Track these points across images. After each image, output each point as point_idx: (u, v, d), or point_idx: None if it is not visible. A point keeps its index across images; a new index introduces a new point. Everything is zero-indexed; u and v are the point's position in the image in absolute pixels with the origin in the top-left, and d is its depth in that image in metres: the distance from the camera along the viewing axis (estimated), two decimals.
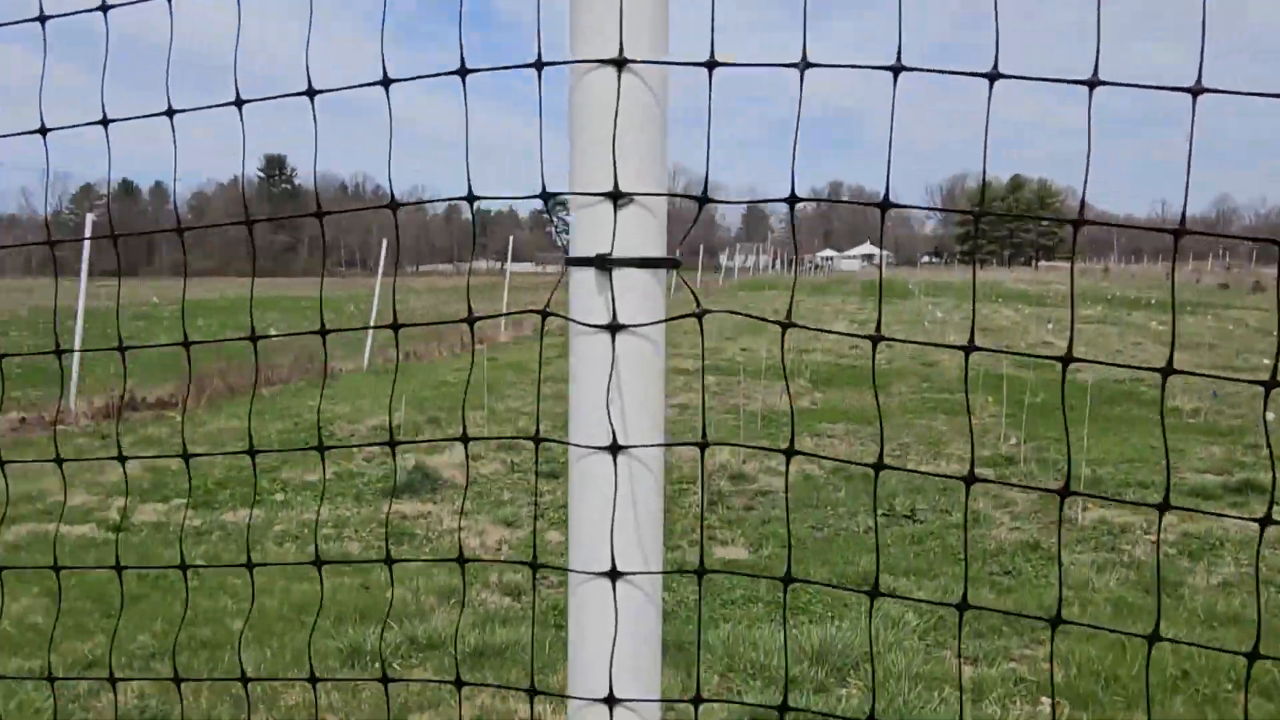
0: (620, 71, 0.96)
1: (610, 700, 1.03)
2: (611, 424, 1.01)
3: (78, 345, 9.51)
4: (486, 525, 6.11)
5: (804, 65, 0.95)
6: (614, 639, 1.02)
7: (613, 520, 1.02)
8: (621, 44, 0.96)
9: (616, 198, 0.98)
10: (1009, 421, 8.81)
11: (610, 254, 0.99)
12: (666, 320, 1.03)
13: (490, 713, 3.43)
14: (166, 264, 75.80)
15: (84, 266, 8.54)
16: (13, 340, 17.81)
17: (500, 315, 1.26)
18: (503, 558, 5.46)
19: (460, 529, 4.67)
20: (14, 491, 6.68)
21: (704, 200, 1.04)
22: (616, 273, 0.99)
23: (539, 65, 0.98)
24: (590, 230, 1.00)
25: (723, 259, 59.56)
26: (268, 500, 6.65)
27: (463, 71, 1.04)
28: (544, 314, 1.08)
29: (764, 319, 1.12)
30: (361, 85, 1.09)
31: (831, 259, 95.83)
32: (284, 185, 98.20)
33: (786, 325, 1.07)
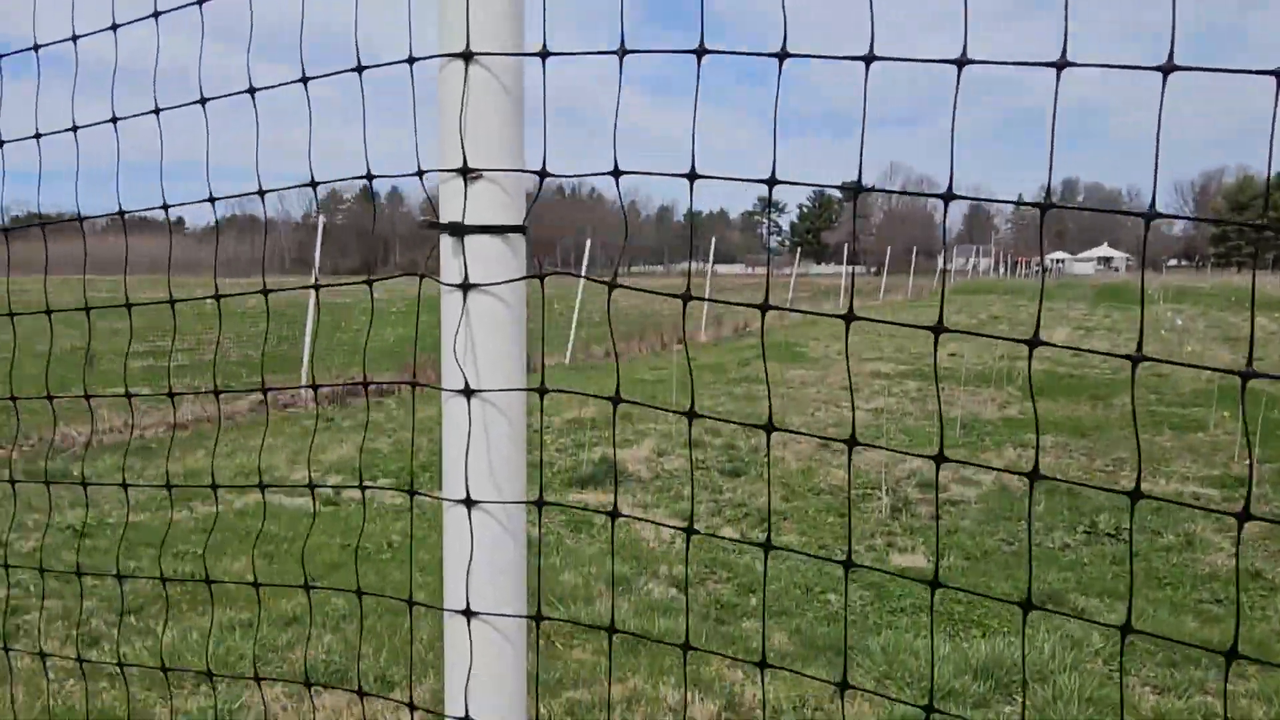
0: (468, 64, 1.09)
1: (468, 613, 1.20)
2: (463, 370, 1.15)
3: (308, 338, 10.43)
4: (664, 518, 6.21)
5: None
6: (469, 559, 1.18)
7: (466, 453, 1.15)
8: (468, 39, 1.08)
9: (466, 173, 1.11)
10: (1245, 440, 7.99)
11: (462, 221, 1.12)
12: (515, 280, 1.15)
13: (640, 695, 3.50)
14: (402, 264, 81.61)
15: (315, 266, 9.37)
16: (257, 333, 19.77)
17: (379, 279, 1.33)
18: (672, 553, 5.54)
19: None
20: (248, 464, 7.43)
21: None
22: (468, 238, 1.12)
23: (410, 60, 1.14)
24: (449, 202, 1.14)
25: (939, 260, 57.13)
26: None
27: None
28: (421, 276, 1.22)
29: (658, 292, 1.12)
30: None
31: (1063, 262, 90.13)
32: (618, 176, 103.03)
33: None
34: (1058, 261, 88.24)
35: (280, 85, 1.29)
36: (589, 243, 15.36)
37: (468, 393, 1.16)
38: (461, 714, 1.20)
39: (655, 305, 25.78)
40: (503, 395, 1.17)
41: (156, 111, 1.46)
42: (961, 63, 0.93)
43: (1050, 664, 3.67)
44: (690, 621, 4.32)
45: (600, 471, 7.40)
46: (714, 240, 21.57)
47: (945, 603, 4.64)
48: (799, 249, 42.04)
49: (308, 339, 10.53)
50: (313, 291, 8.22)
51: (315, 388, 1.40)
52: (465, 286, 1.13)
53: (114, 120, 1.51)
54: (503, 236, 1.13)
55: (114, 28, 1.47)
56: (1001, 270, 70.56)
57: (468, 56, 1.09)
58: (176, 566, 4.94)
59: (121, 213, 1.59)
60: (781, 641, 4.12)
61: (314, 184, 1.35)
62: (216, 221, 1.68)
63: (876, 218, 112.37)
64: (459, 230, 1.12)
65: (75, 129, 1.58)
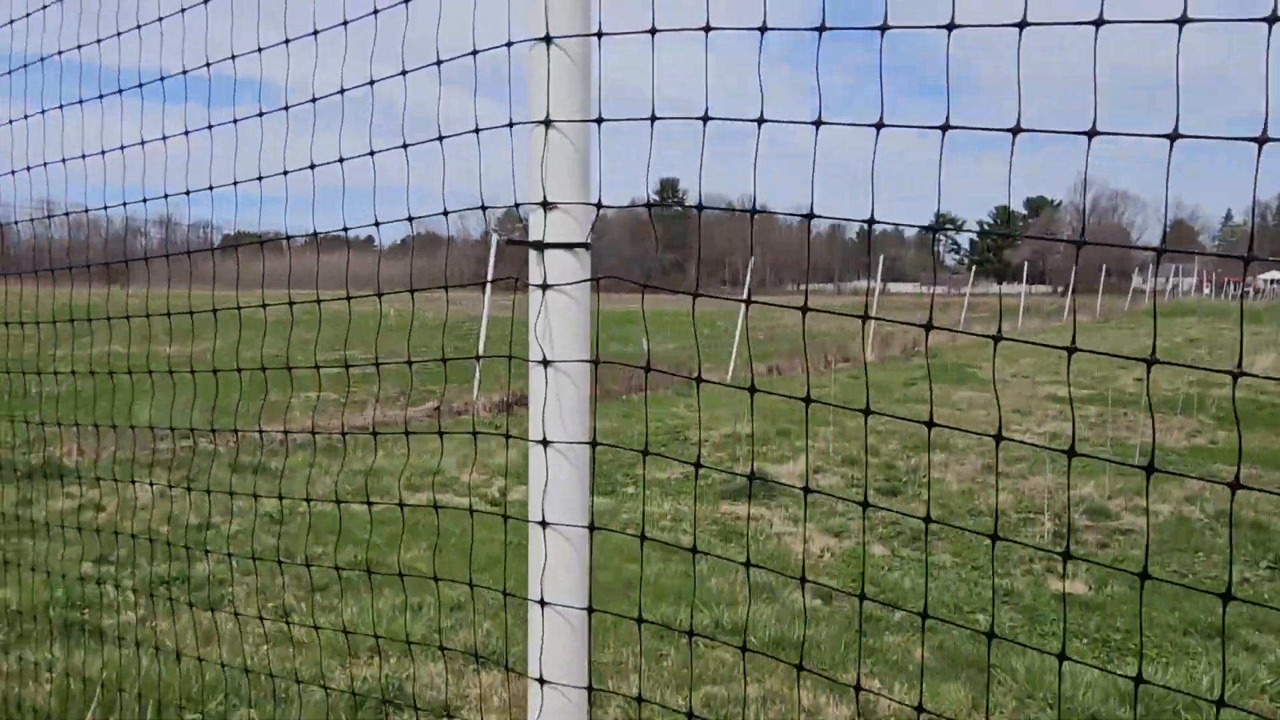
0: (547, 129, 1.48)
1: (543, 523, 1.63)
2: (541, 346, 1.54)
3: (480, 349, 11.02)
4: (814, 533, 6.25)
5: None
6: (545, 485, 1.56)
7: (544, 407, 1.55)
8: (548, 111, 1.46)
9: (546, 205, 1.50)
10: None
11: (543, 239, 1.51)
12: (579, 282, 1.53)
13: (775, 696, 3.60)
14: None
15: (488, 283, 9.92)
16: (436, 344, 20.88)
17: (472, 285, 1.49)
18: (820, 566, 5.58)
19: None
20: (419, 465, 7.97)
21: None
22: (547, 252, 1.51)
23: (510, 125, 1.57)
24: (535, 226, 1.53)
25: (1135, 279, 53.11)
26: (620, 492, 7.32)
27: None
28: (515, 281, 1.59)
29: (672, 290, 1.25)
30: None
31: (1278, 283, 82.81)
32: (675, 207, 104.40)
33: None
34: (1273, 282, 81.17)
35: (464, 133, 1.60)
36: (752, 260, 15.47)
37: (545, 363, 1.54)
38: (539, 594, 1.58)
39: (822, 325, 25.56)
40: (569, 364, 1.55)
41: (372, 154, 1.77)
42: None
43: (1209, 693, 3.53)
44: (832, 631, 4.38)
45: (756, 484, 7.51)
46: (880, 258, 21.19)
47: (1102, 629, 4.50)
48: (975, 267, 40.49)
49: (481, 345, 11.14)
50: (485, 305, 8.73)
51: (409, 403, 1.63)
52: (544, 286, 1.53)
53: (341, 160, 1.83)
54: (571, 251, 1.51)
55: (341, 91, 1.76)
56: (1206, 290, 65.57)
57: (548, 124, 1.50)
58: (355, 554, 5.40)
59: (315, 234, 1.88)
60: (924, 656, 4.12)
61: (484, 208, 1.62)
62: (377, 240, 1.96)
63: (1064, 233, 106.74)
64: (540, 246, 1.52)
65: (312, 166, 1.88)
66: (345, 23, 1.85)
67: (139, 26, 2.26)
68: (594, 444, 1.61)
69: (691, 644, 4.16)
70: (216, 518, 5.92)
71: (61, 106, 2.58)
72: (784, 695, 3.63)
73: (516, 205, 1.54)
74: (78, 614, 4.15)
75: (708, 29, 1.38)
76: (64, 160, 2.60)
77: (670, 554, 5.65)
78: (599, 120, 1.49)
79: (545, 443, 1.57)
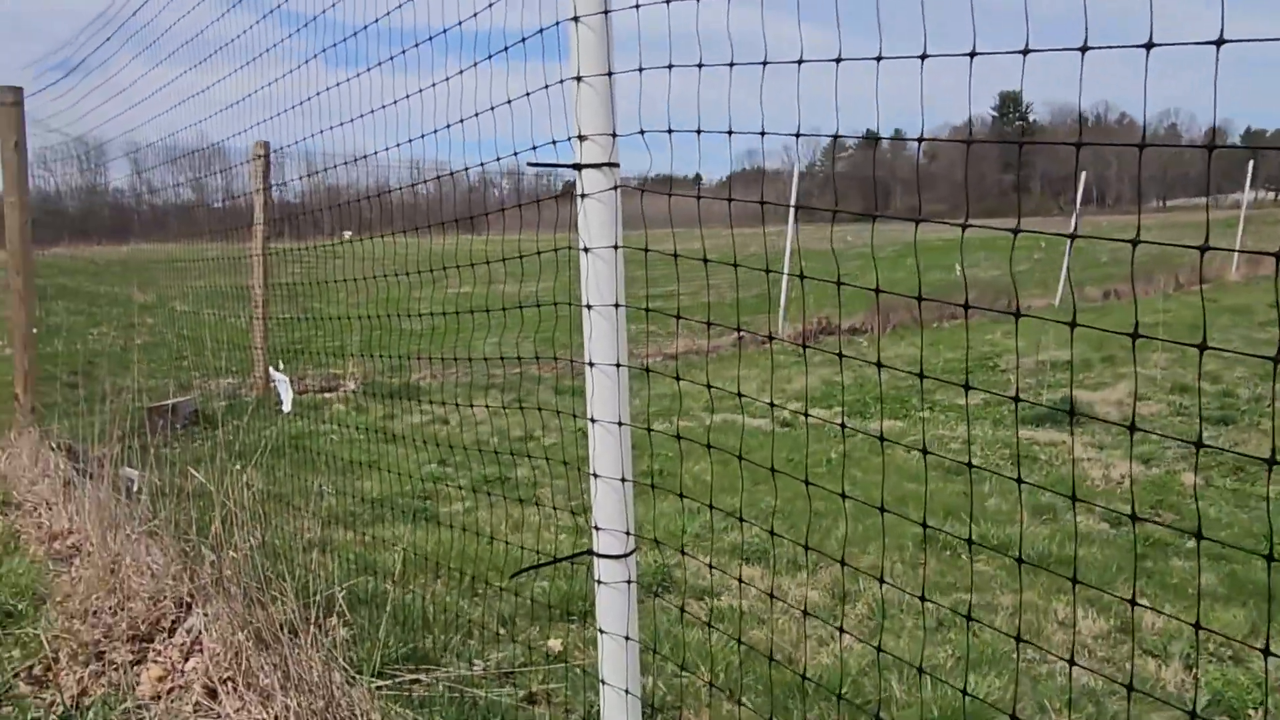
0: (578, 84, 1.89)
1: (590, 419, 2.07)
2: (582, 237, 1.92)
3: (785, 278, 11.25)
4: (1117, 460, 5.92)
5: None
6: (591, 395, 1.98)
7: (585, 282, 1.92)
8: (578, 66, 1.95)
9: (581, 138, 1.90)
10: None
11: (580, 162, 1.96)
12: (605, 190, 1.94)
13: (1029, 606, 3.61)
14: (901, 208, 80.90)
15: (791, 214, 10.09)
16: (750, 278, 21.32)
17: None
18: (1118, 493, 5.31)
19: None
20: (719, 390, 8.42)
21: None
22: (584, 171, 1.93)
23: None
24: (574, 152, 1.98)
25: None
26: (913, 415, 7.32)
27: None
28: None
29: (680, 254, 1.36)
30: None
31: None
32: (1019, 123, 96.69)
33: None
34: None
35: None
36: (1082, 175, 14.25)
37: (585, 249, 1.94)
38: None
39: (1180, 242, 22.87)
40: (603, 249, 1.94)
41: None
42: None
43: None
44: (1108, 554, 4.24)
45: (1059, 412, 7.17)
46: (1251, 165, 18.52)
47: None
48: None
49: (784, 283, 11.38)
50: (789, 239, 8.98)
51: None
52: (582, 195, 1.91)
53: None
54: (599, 169, 1.90)
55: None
56: None
57: (579, 80, 1.89)
58: (649, 465, 5.94)
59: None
60: (1210, 581, 3.89)
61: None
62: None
63: None
64: (579, 167, 1.90)
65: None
66: None
67: None
68: (618, 305, 1.97)
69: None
70: (537, 431, 6.74)
71: (442, 82, 3.04)
72: (1038, 605, 3.63)
73: (570, 138, 1.93)
74: (421, 504, 5.02)
75: None
76: (433, 132, 3.07)
77: (951, 475, 5.65)
78: (609, 74, 1.87)
79: (588, 306, 1.97)
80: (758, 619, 3.64)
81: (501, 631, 3.44)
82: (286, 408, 3.84)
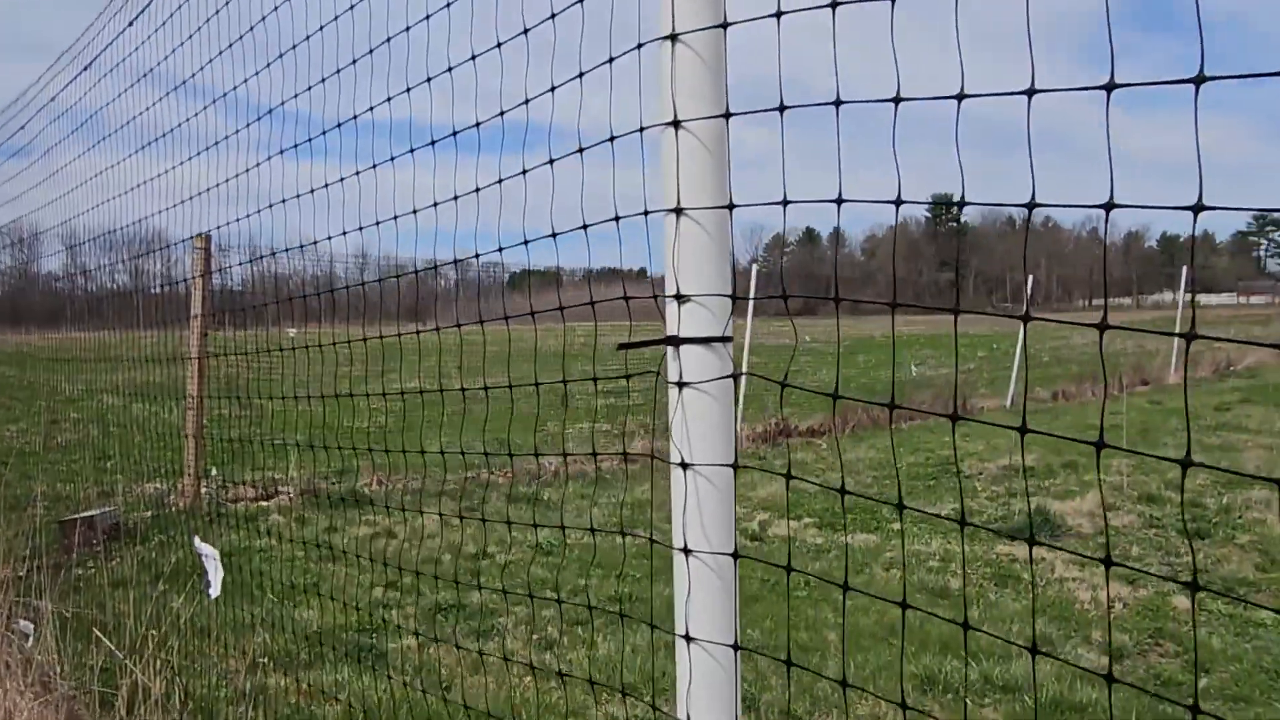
0: (678, 217, 1.41)
1: (687, 637, 1.49)
2: (678, 448, 1.43)
3: (744, 374, 11.04)
4: (1104, 580, 5.67)
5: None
6: (687, 595, 1.45)
7: (684, 514, 1.44)
8: (679, 198, 1.42)
9: (679, 298, 1.41)
10: None
11: (678, 335, 1.41)
12: (719, 379, 1.42)
13: None
14: (844, 306, 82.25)
15: (750, 307, 9.93)
16: None
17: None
18: (1113, 617, 5.04)
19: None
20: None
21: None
22: (683, 348, 1.41)
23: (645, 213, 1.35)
24: (670, 320, 1.44)
25: None
26: (885, 528, 7.03)
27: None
28: (655, 372, 1.52)
29: (769, 379, 1.07)
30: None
31: None
32: (951, 223, 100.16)
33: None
34: None
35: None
36: (1029, 278, 14.44)
37: (683, 466, 1.44)
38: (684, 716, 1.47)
39: (1115, 344, 23.45)
40: (712, 468, 1.44)
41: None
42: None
43: None
44: (1121, 697, 3.93)
45: (1035, 522, 6.94)
46: (1184, 268, 19.07)
47: None
48: None
49: (742, 383, 11.16)
50: (747, 332, 8.74)
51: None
52: (680, 385, 1.42)
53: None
54: (708, 346, 1.40)
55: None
56: None
57: (678, 212, 1.41)
58: (619, 588, 5.53)
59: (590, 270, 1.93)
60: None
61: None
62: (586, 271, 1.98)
63: None
64: (675, 342, 1.42)
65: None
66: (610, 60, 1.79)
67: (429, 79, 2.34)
68: (735, 555, 1.49)
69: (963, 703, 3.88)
70: (492, 547, 6.29)
71: (376, 165, 2.78)
72: None
73: (654, 297, 1.50)
74: (368, 638, 4.54)
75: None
76: (377, 223, 2.81)
77: (937, 599, 5.34)
78: (729, 206, 1.40)
79: (687, 551, 1.46)
80: None
81: None
82: (214, 591, 3.40)
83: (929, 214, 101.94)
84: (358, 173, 2.73)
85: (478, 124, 2.14)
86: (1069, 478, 8.79)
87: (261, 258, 4.09)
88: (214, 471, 7.30)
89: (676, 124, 1.37)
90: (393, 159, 2.58)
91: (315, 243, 3.18)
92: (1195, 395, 15.05)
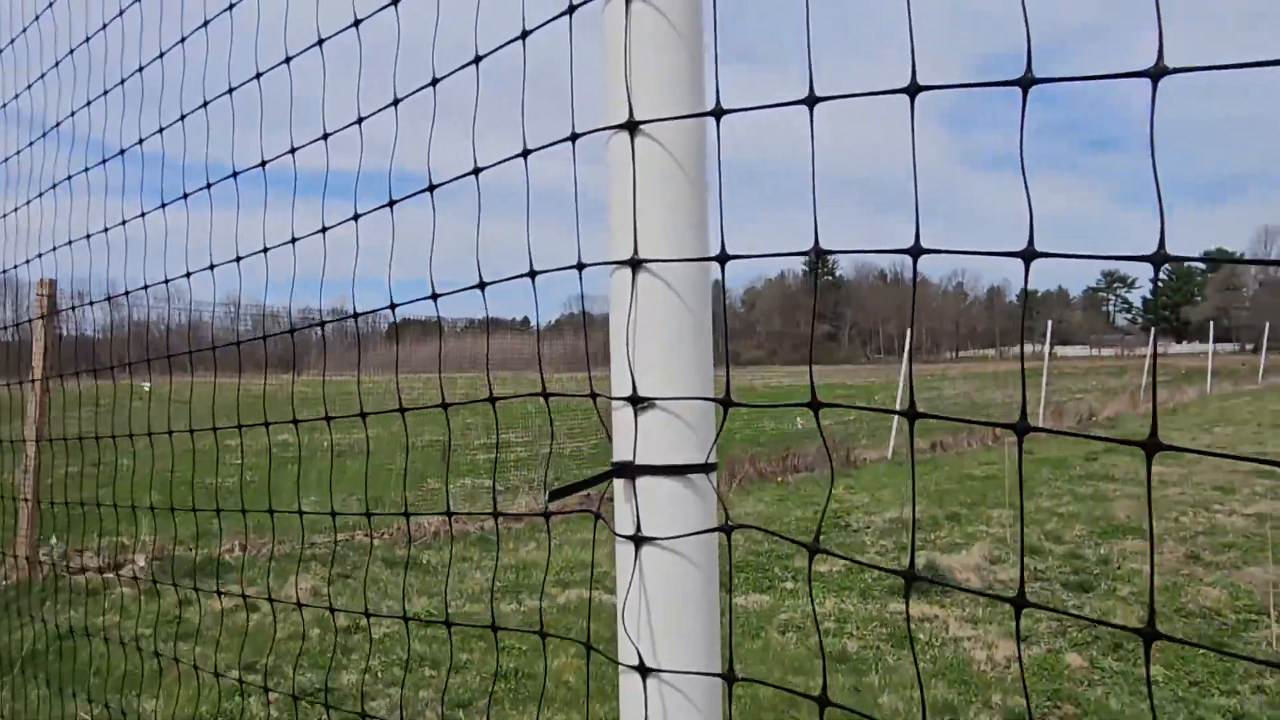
0: (636, 271, 1.00)
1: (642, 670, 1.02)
2: (636, 646, 0.92)
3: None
4: (997, 639, 5.62)
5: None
6: None
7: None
8: (635, 249, 0.95)
9: (635, 401, 0.89)
10: None
11: (633, 460, 0.89)
12: (699, 533, 0.91)
13: None
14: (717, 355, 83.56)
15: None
16: (589, 426, 20.91)
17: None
18: (1008, 680, 4.97)
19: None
20: (573, 559, 7.73)
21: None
22: (642, 482, 0.89)
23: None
24: (620, 436, 0.93)
25: None
26: (778, 587, 6.87)
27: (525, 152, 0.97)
28: (596, 515, 1.04)
29: (788, 537, 0.88)
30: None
31: None
32: (827, 276, 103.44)
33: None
34: None
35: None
36: (909, 331, 14.76)
37: (643, 670, 0.95)
38: None
39: (988, 394, 24.33)
40: (687, 678, 0.96)
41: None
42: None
43: None
44: None
45: (924, 581, 6.91)
46: (1049, 322, 20.01)
47: None
48: (1154, 327, 37.94)
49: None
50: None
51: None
52: (638, 540, 0.93)
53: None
54: (683, 479, 0.92)
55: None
56: None
57: (636, 265, 0.98)
58: (504, 662, 5.18)
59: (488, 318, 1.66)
60: None
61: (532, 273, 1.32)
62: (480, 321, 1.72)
63: (1251, 288, 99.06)
64: (631, 471, 0.94)
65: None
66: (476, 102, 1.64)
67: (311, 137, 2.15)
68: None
69: None
70: (363, 621, 5.83)
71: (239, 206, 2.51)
72: None
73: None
74: None
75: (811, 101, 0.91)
76: (238, 259, 2.50)
77: (835, 664, 5.17)
78: (722, 259, 1.00)
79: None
80: None
81: None
82: None
83: (806, 266, 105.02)
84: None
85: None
86: (953, 530, 8.86)
87: (109, 298, 3.67)
88: (54, 540, 6.61)
89: (633, 126, 0.93)
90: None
91: (167, 281, 2.82)
92: (1064, 445, 15.62)
